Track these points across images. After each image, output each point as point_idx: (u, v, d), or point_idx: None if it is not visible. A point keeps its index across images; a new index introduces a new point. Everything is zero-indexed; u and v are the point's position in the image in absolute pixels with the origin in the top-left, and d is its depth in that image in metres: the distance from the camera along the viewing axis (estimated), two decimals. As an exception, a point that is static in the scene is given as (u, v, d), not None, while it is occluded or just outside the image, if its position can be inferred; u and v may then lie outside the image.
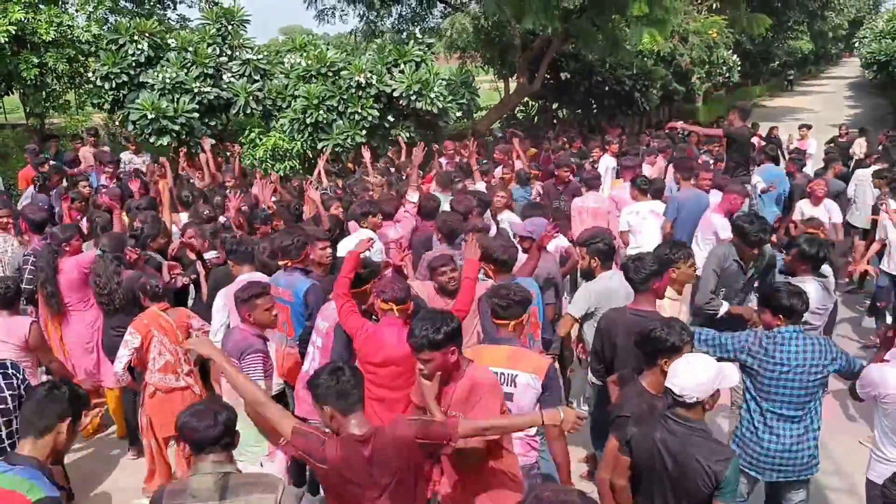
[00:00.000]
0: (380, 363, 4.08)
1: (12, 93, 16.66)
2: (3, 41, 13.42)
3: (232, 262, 5.60)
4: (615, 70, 18.87)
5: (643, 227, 7.64)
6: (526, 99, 20.51)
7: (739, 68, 24.81)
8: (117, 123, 14.86)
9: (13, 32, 13.42)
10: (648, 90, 19.68)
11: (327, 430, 3.02)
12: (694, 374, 3.24)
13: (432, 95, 12.90)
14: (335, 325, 4.49)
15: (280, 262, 5.34)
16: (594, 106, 20.11)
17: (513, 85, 20.44)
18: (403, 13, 21.37)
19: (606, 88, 19.12)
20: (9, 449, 3.79)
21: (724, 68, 23.50)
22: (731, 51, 23.54)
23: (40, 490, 2.66)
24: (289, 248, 5.25)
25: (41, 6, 14.12)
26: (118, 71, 13.20)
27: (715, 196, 7.76)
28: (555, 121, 20.55)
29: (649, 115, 22.21)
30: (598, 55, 17.36)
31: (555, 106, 21.32)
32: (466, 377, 3.40)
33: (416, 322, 3.33)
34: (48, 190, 9.26)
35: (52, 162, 10.61)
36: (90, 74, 14.00)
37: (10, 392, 3.85)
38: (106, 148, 13.09)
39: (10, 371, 3.92)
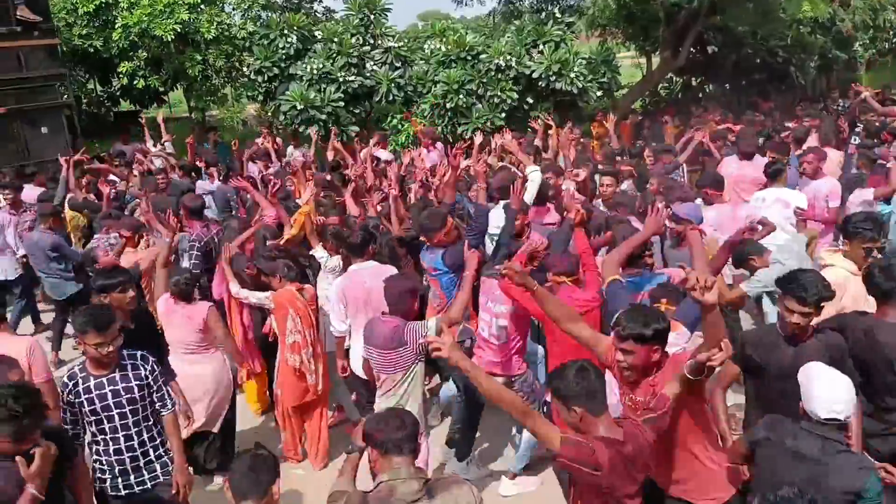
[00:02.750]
0: None
1: (177, 88, 18.04)
2: (169, 40, 14.56)
3: (345, 253, 5.61)
4: (767, 41, 17.72)
5: (768, 217, 7.04)
6: (670, 75, 19.75)
7: (910, 32, 22.67)
8: (269, 114, 15.71)
9: (178, 31, 14.52)
10: (805, 63, 18.39)
11: (586, 437, 2.96)
12: (841, 390, 3.05)
13: (572, 75, 12.74)
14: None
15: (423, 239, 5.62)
16: (743, 81, 19.07)
17: (656, 61, 19.72)
18: (542, -8, 21.07)
19: (757, 61, 18.05)
20: (135, 438, 3.89)
21: (892, 32, 21.57)
22: (899, 13, 21.57)
23: None
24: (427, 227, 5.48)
25: (202, 6, 15.15)
26: (270, 64, 13.94)
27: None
28: (700, 97, 19.65)
29: (804, 88, 20.74)
30: (748, 26, 16.42)
31: (700, 81, 20.38)
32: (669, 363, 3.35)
33: (626, 314, 3.29)
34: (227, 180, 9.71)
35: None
36: (245, 69, 14.90)
37: (138, 382, 3.88)
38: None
39: (139, 363, 3.94)
